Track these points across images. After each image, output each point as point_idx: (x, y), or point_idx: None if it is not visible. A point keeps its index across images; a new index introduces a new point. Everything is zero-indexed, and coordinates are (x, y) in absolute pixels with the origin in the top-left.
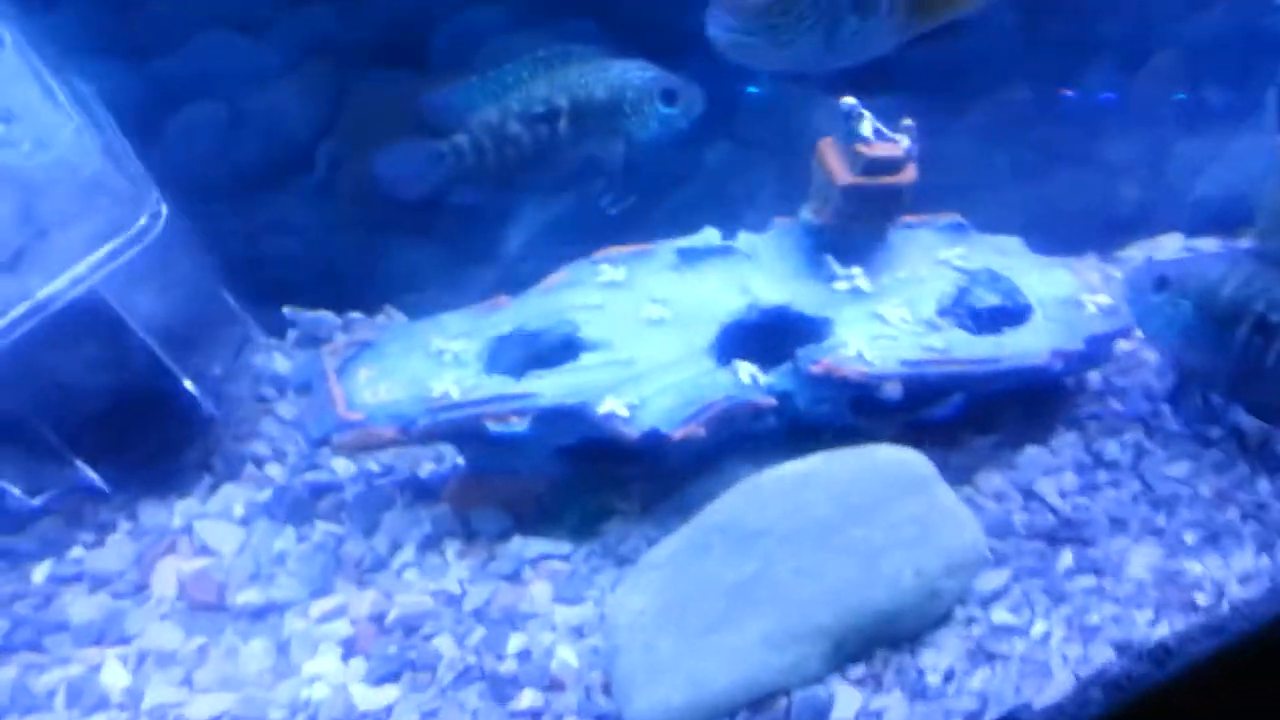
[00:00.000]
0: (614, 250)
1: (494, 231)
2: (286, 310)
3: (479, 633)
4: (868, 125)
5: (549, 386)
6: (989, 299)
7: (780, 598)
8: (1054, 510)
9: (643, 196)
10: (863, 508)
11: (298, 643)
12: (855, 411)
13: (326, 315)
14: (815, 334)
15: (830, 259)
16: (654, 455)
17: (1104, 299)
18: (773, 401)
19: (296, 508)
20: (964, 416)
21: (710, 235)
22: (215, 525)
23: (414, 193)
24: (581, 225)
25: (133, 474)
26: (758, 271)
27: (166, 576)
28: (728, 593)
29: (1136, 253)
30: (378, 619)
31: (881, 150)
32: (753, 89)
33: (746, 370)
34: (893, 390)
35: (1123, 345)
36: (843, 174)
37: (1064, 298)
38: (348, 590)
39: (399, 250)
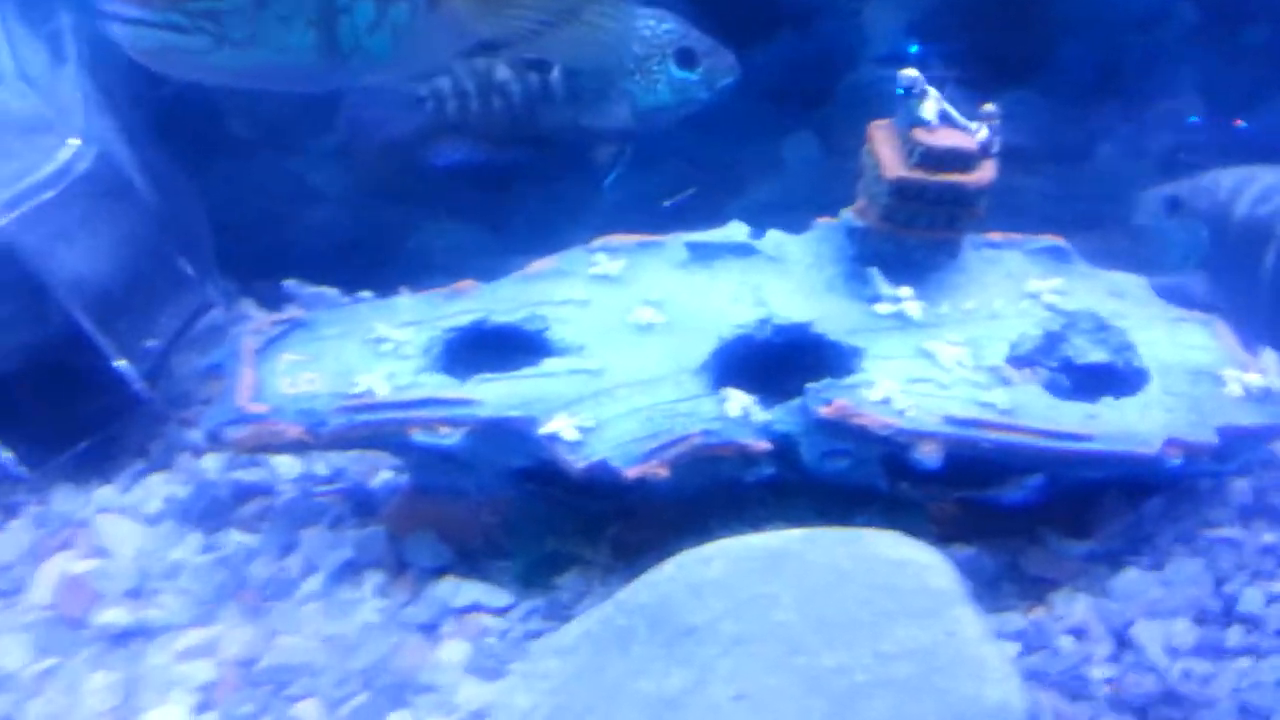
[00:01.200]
0: (617, 238)
1: (537, 213)
2: (287, 284)
3: (356, 701)
4: (931, 106)
5: (494, 394)
6: (1091, 353)
7: None
8: (1156, 671)
9: (708, 190)
10: (844, 621)
11: (150, 682)
12: (889, 475)
13: (328, 292)
14: (839, 365)
15: (876, 273)
16: (635, 495)
17: (1257, 378)
18: (765, 445)
19: (212, 510)
20: (1046, 507)
21: (734, 230)
22: (119, 522)
23: (379, 139)
24: (638, 211)
25: (50, 453)
26: (782, 279)
27: (49, 577)
28: (643, 709)
29: None
30: (247, 665)
31: (946, 139)
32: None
33: (738, 401)
34: (929, 455)
35: None
36: (894, 164)
37: (1197, 367)
38: (233, 620)
39: (427, 227)
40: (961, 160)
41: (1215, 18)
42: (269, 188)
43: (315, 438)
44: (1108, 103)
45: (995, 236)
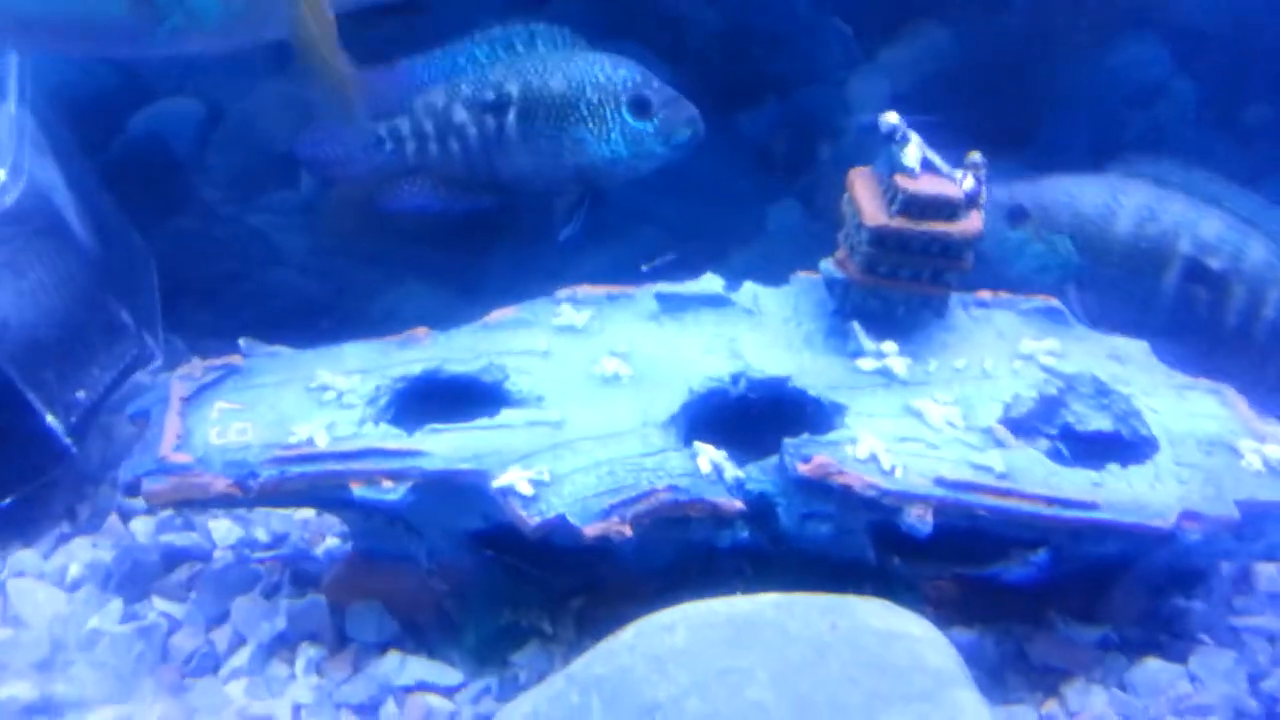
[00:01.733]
0: (584, 289)
1: (509, 276)
2: (242, 342)
3: None
4: (914, 152)
5: (444, 445)
6: (1093, 420)
7: None
8: None
9: (688, 255)
10: (827, 703)
11: None
12: (878, 544)
13: (284, 351)
14: (819, 422)
15: (857, 327)
16: (600, 563)
17: (1278, 451)
18: (738, 505)
19: (137, 576)
20: (1054, 587)
21: (708, 282)
22: (36, 588)
23: (338, 178)
24: (617, 276)
25: None
26: (758, 333)
27: None
28: None
29: None
30: None
31: (930, 186)
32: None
33: (708, 457)
34: (919, 519)
35: None
36: (875, 213)
37: (1210, 437)
38: (149, 697)
39: (394, 284)
40: (946, 209)
41: (1215, 96)
42: (228, 243)
43: (244, 491)
44: None
45: (985, 295)
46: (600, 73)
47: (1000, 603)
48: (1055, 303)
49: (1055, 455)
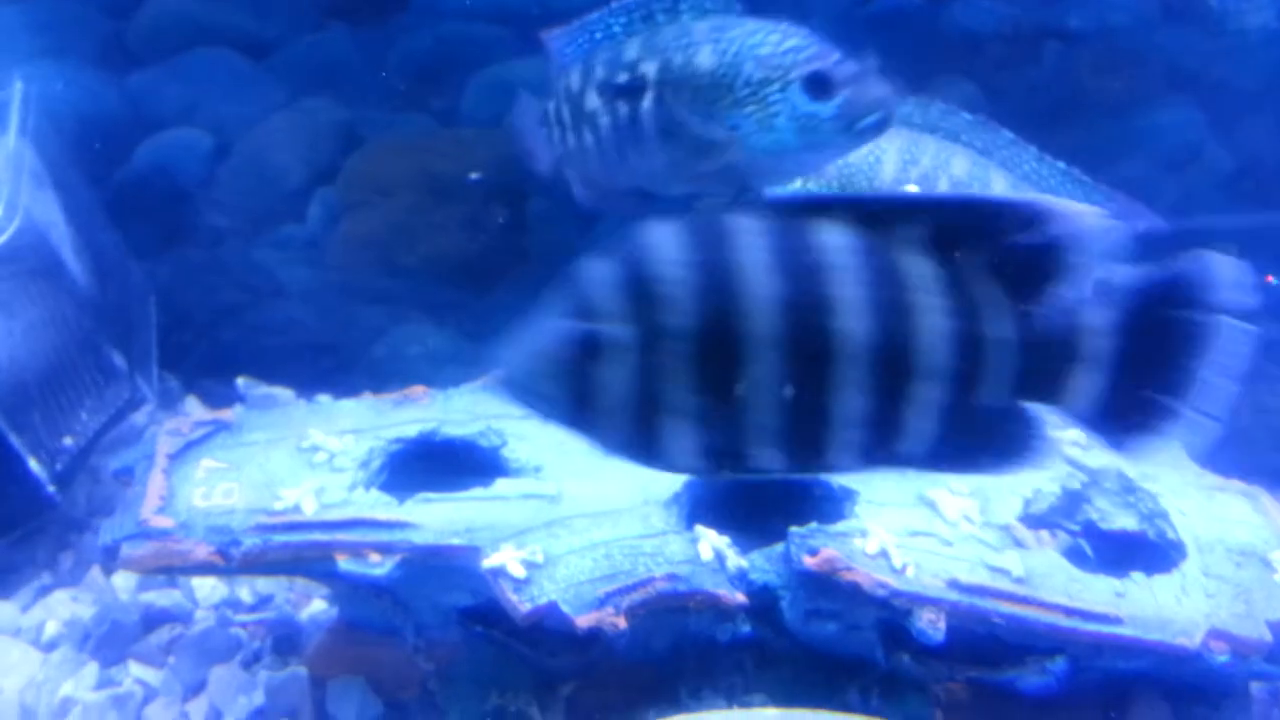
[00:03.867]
0: None
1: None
2: (240, 381)
3: None
4: None
5: (435, 517)
6: (1117, 518)
7: None
8: None
9: None
10: None
11: None
12: (886, 641)
13: (282, 393)
14: (828, 509)
15: None
16: (594, 649)
17: None
18: (739, 598)
19: (115, 638)
20: (1072, 696)
21: None
22: (11, 647)
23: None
24: None
25: None
26: None
27: None
28: None
29: None
30: None
31: None
32: None
33: (710, 543)
34: (931, 625)
35: None
36: None
37: (1241, 547)
38: None
39: (398, 322)
40: None
41: (1251, 168)
42: (232, 278)
43: (227, 560)
44: None
45: None
46: (762, 44)
47: (1014, 710)
48: None
49: (1077, 552)
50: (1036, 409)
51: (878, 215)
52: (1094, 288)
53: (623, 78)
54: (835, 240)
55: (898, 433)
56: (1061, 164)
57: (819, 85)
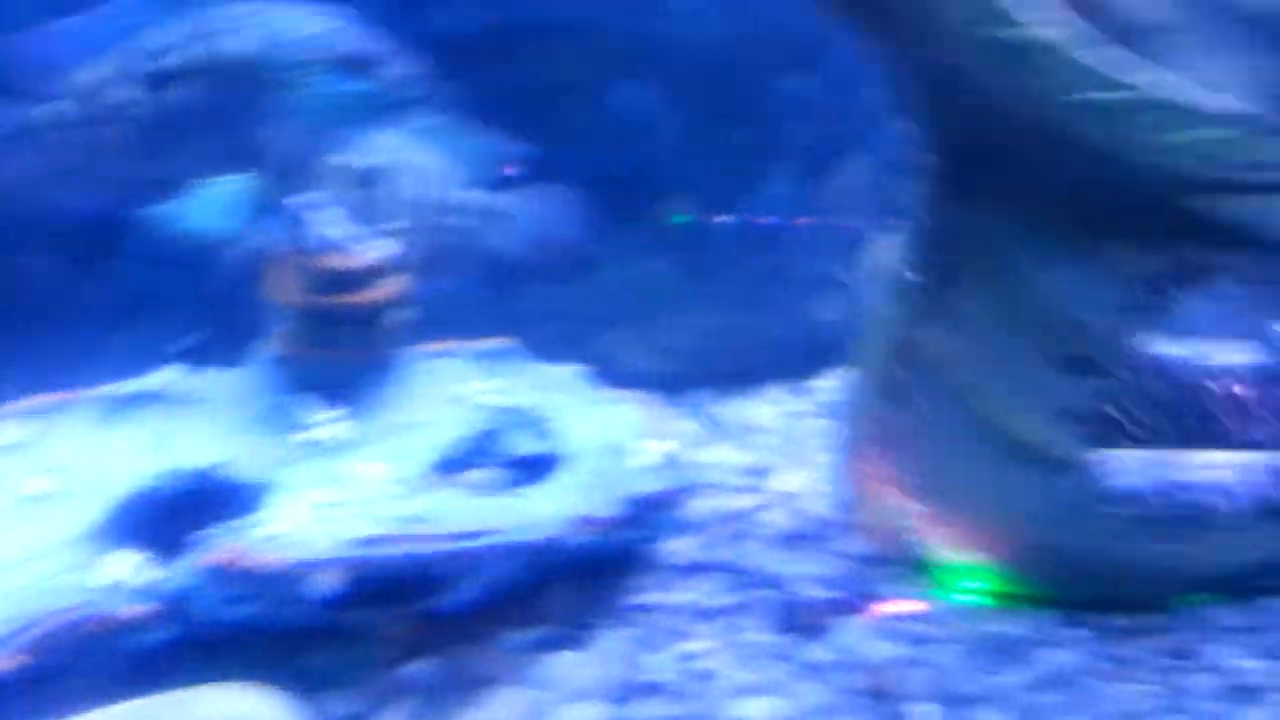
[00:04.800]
0: (34, 401)
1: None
2: None
3: None
4: (325, 228)
5: None
6: (524, 445)
7: None
8: None
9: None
10: None
11: None
12: (325, 607)
13: None
14: (247, 506)
15: (296, 402)
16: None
17: (671, 445)
18: (145, 609)
19: None
20: (493, 604)
21: (152, 379)
22: None
23: None
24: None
25: None
26: (199, 423)
27: None
28: None
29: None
30: None
31: (337, 261)
32: None
33: (124, 564)
34: (327, 582)
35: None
36: (292, 293)
37: (609, 444)
38: None
39: None
40: (358, 281)
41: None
42: None
43: None
44: None
45: (436, 346)
46: (300, 28)
47: (446, 629)
48: (509, 342)
49: (492, 485)
50: None
51: None
52: None
53: (171, 63)
54: None
55: None
56: None
57: (357, 65)
